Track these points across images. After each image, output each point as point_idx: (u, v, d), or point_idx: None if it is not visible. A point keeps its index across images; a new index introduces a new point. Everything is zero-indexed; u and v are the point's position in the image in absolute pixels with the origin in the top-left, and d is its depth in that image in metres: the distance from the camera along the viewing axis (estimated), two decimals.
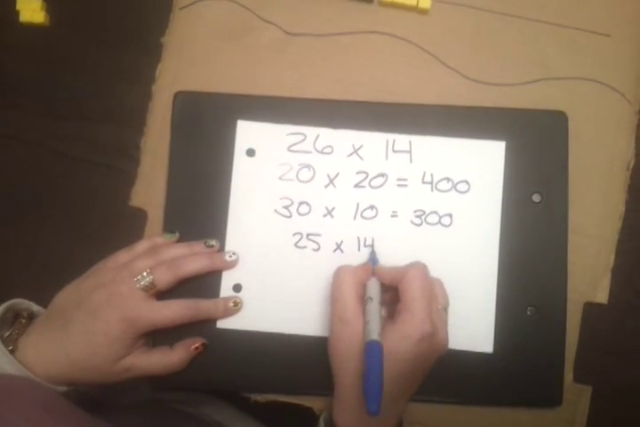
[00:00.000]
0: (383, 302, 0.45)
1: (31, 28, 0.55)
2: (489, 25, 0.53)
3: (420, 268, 0.45)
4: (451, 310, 0.47)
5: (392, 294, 0.46)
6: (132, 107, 0.54)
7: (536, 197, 0.51)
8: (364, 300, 0.45)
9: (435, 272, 0.47)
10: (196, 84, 0.53)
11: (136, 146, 0.53)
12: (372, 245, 0.50)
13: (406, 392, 0.44)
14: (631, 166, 0.52)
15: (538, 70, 0.53)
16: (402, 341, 0.42)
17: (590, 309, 0.51)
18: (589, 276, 0.51)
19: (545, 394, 0.50)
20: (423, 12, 0.53)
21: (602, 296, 0.51)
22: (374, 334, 0.41)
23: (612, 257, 0.52)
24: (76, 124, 0.55)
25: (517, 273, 0.50)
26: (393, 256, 0.49)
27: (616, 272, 0.51)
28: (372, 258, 0.49)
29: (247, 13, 0.54)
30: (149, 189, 0.52)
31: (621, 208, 0.52)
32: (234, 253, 0.50)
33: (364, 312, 0.43)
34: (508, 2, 0.53)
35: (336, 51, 0.53)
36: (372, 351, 0.40)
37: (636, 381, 0.52)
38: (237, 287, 0.50)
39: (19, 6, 0.55)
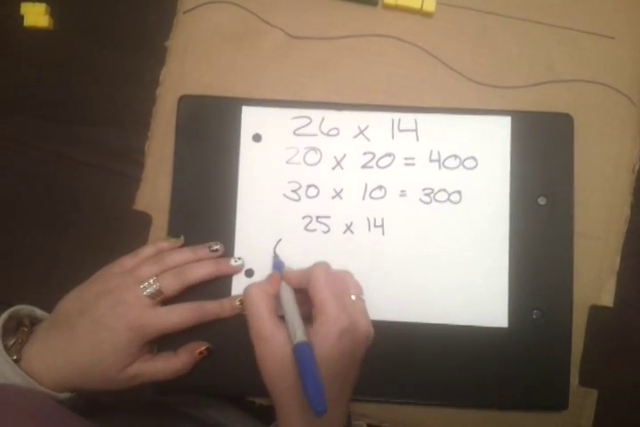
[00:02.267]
0: (304, 309, 0.45)
1: (35, 32, 0.56)
2: (493, 28, 0.53)
3: (321, 267, 0.45)
4: (463, 287, 0.49)
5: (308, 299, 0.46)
6: (136, 111, 0.54)
7: (542, 200, 0.50)
8: (279, 311, 0.44)
9: (446, 249, 0.49)
10: (200, 87, 0.53)
11: (140, 150, 0.53)
12: (275, 250, 0.50)
13: (344, 392, 0.43)
14: (636, 169, 0.52)
15: (542, 73, 0.53)
16: (323, 342, 0.41)
17: (596, 312, 0.51)
18: (595, 279, 0.51)
19: (551, 398, 0.49)
20: (428, 14, 0.53)
21: (607, 299, 0.51)
22: (300, 336, 0.41)
23: (618, 260, 0.51)
24: (81, 128, 0.55)
25: (523, 276, 0.50)
26: (403, 235, 0.50)
27: (621, 275, 0.51)
28: (277, 264, 0.49)
29: (251, 17, 0.54)
30: (154, 192, 0.53)
31: (627, 211, 0.52)
32: (239, 258, 0.50)
33: (281, 324, 0.43)
34: (512, 4, 0.53)
35: (340, 54, 0.53)
36: (301, 352, 0.40)
37: None
38: (249, 272, 0.50)
39: (23, 10, 0.55)
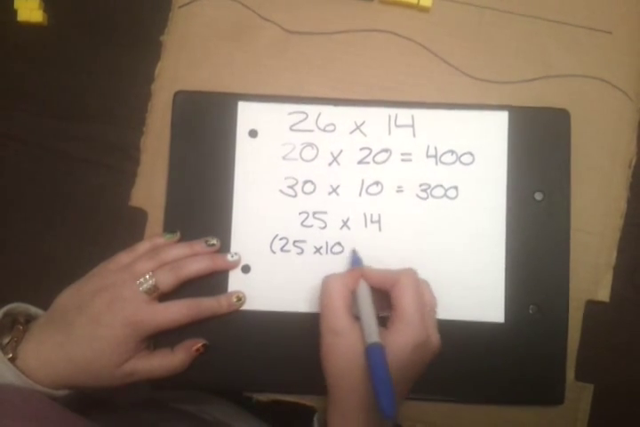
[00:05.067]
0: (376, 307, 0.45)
1: (29, 27, 0.55)
2: (490, 22, 0.53)
3: (411, 275, 0.44)
4: (459, 282, 0.50)
5: (381, 297, 0.45)
6: (131, 106, 0.54)
7: (538, 196, 0.50)
8: (353, 308, 0.44)
9: (442, 245, 0.49)
10: (196, 82, 0.53)
11: (136, 146, 0.53)
12: (354, 249, 0.50)
13: (402, 397, 0.44)
14: (633, 164, 0.52)
15: (539, 68, 0.53)
16: (399, 351, 0.41)
17: (592, 307, 0.51)
18: (591, 274, 0.51)
19: (547, 392, 0.50)
20: (424, 9, 0.53)
21: (604, 294, 0.51)
22: (375, 337, 0.41)
23: (614, 255, 0.51)
24: (75, 123, 0.54)
25: (519, 271, 0.50)
26: (400, 231, 0.50)
27: (618, 270, 0.51)
28: (356, 260, 0.48)
29: (247, 12, 0.54)
30: (149, 189, 0.52)
31: (623, 206, 0.52)
32: (235, 254, 0.50)
33: (356, 321, 0.43)
34: None
35: (337, 49, 0.53)
36: (376, 354, 0.40)
37: (638, 378, 0.52)
38: (246, 268, 0.50)
39: (16, 5, 0.55)
